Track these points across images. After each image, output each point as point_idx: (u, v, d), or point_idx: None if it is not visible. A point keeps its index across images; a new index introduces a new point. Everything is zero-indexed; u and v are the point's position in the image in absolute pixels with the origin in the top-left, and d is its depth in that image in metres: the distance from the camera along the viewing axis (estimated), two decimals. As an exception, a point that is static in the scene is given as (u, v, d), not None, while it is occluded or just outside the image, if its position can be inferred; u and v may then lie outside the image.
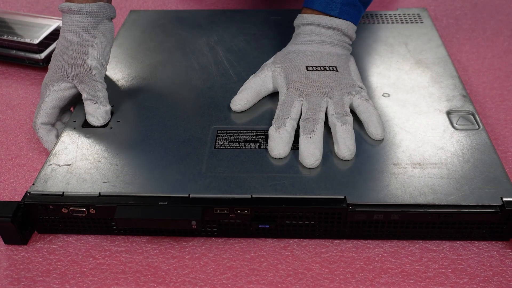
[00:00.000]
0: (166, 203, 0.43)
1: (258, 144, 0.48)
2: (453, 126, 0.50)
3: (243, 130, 0.50)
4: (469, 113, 0.51)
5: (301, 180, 0.44)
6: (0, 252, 0.44)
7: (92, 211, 0.43)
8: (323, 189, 0.43)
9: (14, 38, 0.67)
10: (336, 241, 0.45)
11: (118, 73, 0.59)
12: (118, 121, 0.52)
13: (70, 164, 0.46)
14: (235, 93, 0.54)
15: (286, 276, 0.42)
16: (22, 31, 0.69)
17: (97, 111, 0.51)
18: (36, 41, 0.67)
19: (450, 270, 0.42)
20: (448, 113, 0.51)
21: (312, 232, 0.44)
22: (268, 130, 0.49)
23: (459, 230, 0.44)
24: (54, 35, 0.69)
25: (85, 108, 0.52)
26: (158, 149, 0.48)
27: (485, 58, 0.68)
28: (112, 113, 0.53)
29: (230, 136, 0.49)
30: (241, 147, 0.48)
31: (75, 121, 0.52)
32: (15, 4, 0.86)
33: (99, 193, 0.43)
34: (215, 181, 0.44)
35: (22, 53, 0.67)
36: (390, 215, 0.42)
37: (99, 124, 0.51)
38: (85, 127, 0.51)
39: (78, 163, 0.47)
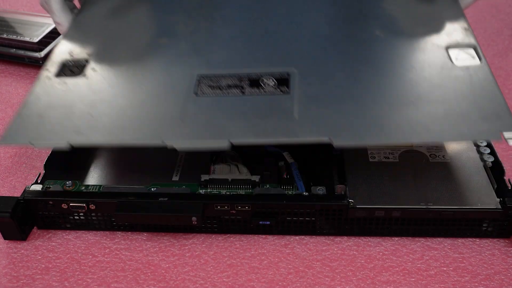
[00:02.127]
0: (167, 199, 0.42)
1: (242, 89, 0.44)
2: (452, 62, 0.45)
3: (225, 76, 0.46)
4: (470, 46, 0.47)
5: (283, 125, 0.40)
6: (-1, 249, 0.44)
7: (92, 206, 0.43)
8: (307, 132, 0.39)
9: (14, 37, 0.67)
10: (337, 239, 0.45)
11: (96, 23, 0.54)
12: (94, 69, 0.48)
13: (41, 115, 0.43)
14: (219, 37, 0.50)
15: (287, 274, 0.42)
16: (21, 30, 0.69)
17: None
18: (36, 40, 0.66)
19: (451, 268, 0.42)
20: (447, 48, 0.47)
21: (313, 229, 0.44)
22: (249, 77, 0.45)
23: (460, 227, 0.43)
24: (53, 34, 0.69)
25: None
26: (135, 98, 0.45)
27: (485, 57, 0.68)
28: (87, 61, 0.49)
29: (212, 81, 0.45)
30: (223, 94, 0.44)
31: (48, 69, 0.48)
32: (15, 3, 0.85)
33: (70, 144, 0.40)
34: (193, 128, 0.41)
35: (21, 52, 0.67)
36: (391, 212, 0.42)
37: None
38: (59, 76, 0.47)
39: (50, 113, 0.43)
